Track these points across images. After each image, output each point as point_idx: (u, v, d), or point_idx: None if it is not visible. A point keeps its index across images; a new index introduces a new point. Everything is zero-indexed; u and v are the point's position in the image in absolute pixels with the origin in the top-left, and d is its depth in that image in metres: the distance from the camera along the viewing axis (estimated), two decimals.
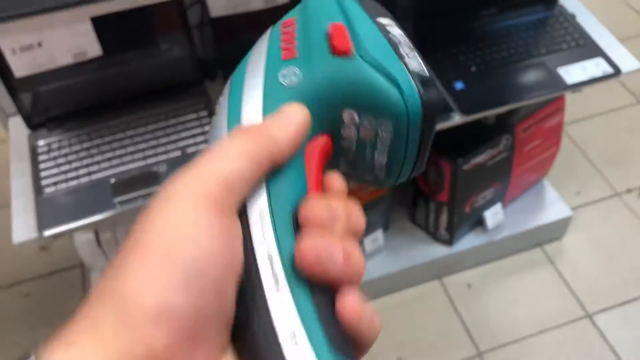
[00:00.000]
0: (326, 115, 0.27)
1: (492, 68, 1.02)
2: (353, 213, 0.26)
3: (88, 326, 0.21)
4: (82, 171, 0.89)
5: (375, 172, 0.29)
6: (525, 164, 1.28)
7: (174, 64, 0.99)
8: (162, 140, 0.93)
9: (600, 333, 1.26)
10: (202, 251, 0.22)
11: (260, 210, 0.25)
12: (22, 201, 0.86)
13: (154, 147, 0.92)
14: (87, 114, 0.96)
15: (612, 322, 1.27)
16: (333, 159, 0.29)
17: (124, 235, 0.66)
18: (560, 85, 1.00)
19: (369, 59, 0.26)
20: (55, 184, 0.88)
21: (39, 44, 0.84)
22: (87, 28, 0.85)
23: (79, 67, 0.89)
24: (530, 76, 1.01)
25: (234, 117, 0.27)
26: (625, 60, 1.03)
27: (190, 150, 0.91)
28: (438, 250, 1.30)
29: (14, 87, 0.89)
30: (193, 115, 0.96)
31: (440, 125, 0.96)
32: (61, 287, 1.34)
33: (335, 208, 0.25)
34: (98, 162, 0.90)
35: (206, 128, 0.94)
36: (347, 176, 0.29)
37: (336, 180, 0.28)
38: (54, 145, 0.93)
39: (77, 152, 0.91)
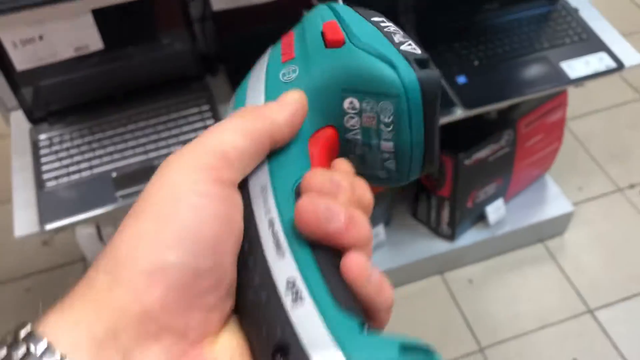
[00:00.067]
0: (327, 107, 0.27)
1: (494, 62, 1.02)
2: (359, 187, 0.25)
3: (83, 290, 0.21)
4: (83, 165, 0.89)
5: (385, 165, 0.28)
6: (527, 159, 1.28)
7: (176, 58, 0.99)
8: (164, 135, 0.92)
9: (602, 328, 1.26)
10: (196, 213, 0.22)
11: (261, 185, 0.25)
12: (24, 195, 0.86)
13: (155, 141, 0.91)
14: (89, 108, 0.95)
15: (613, 317, 1.27)
16: (342, 156, 0.29)
17: None
18: (563, 79, 0.99)
19: (362, 45, 0.27)
20: (56, 178, 0.88)
21: (41, 38, 0.84)
22: (89, 21, 0.85)
23: (81, 61, 0.89)
24: (533, 70, 1.01)
25: None
26: (629, 55, 1.02)
27: None
28: (440, 246, 1.30)
29: (15, 81, 0.89)
30: (194, 110, 0.96)
31: (442, 120, 0.96)
32: (63, 282, 1.34)
33: (339, 179, 0.24)
34: (99, 156, 0.90)
35: (208, 122, 0.94)
36: (359, 175, 0.29)
37: (343, 162, 0.27)
38: (56, 140, 0.92)
39: (78, 146, 0.91)
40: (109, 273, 0.21)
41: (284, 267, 0.22)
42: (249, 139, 0.24)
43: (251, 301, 0.22)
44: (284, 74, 0.28)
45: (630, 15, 1.94)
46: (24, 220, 0.83)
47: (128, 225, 0.22)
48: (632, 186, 1.50)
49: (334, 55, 0.27)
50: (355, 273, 0.22)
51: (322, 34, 0.28)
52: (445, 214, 1.25)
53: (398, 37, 0.28)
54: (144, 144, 0.91)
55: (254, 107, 0.27)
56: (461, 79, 0.99)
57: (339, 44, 0.27)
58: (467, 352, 1.23)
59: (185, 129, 0.93)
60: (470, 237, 1.31)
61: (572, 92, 1.25)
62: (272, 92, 0.28)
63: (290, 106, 0.26)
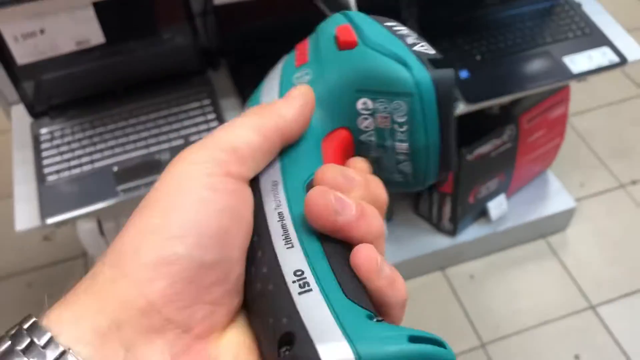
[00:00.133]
0: (341, 108, 0.27)
1: (497, 57, 1.02)
2: (374, 185, 0.25)
3: (88, 283, 0.21)
4: (84, 159, 0.89)
5: (401, 168, 0.28)
6: (529, 154, 1.28)
7: (177, 52, 0.99)
8: (165, 129, 0.92)
9: (604, 324, 1.26)
10: (204, 206, 0.22)
11: (273, 181, 0.25)
12: (25, 189, 0.86)
13: (156, 135, 0.91)
14: (90, 102, 0.95)
15: (615, 313, 1.27)
16: None
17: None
18: (565, 74, 0.99)
19: (374, 46, 0.27)
20: (57, 172, 0.87)
21: (42, 31, 0.84)
22: (90, 15, 0.85)
23: (82, 55, 0.89)
24: (536, 65, 1.00)
25: None
26: (632, 50, 1.02)
27: (193, 138, 0.91)
28: (441, 241, 1.30)
29: (16, 75, 0.88)
30: (196, 104, 0.95)
31: None
32: (64, 277, 1.34)
33: (352, 175, 0.24)
34: (101, 150, 0.90)
35: (209, 116, 0.94)
36: None
37: (359, 160, 0.27)
38: (57, 134, 0.92)
39: (79, 140, 0.91)
40: (113, 266, 0.21)
41: (293, 258, 0.22)
42: (260, 136, 0.24)
43: (258, 291, 0.22)
44: (297, 77, 0.29)
45: (633, 10, 1.93)
46: (25, 214, 0.83)
47: (135, 218, 0.22)
48: (634, 182, 1.50)
49: (346, 56, 0.27)
50: (365, 265, 0.22)
51: (335, 37, 0.28)
52: (447, 209, 1.25)
53: (411, 39, 0.28)
54: (145, 138, 0.91)
55: (263, 105, 0.27)
56: (463, 74, 0.99)
57: (351, 45, 0.27)
58: (469, 348, 1.23)
59: (186, 123, 0.93)
60: (472, 232, 1.31)
61: (574, 88, 1.25)
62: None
63: (296, 100, 0.26)
